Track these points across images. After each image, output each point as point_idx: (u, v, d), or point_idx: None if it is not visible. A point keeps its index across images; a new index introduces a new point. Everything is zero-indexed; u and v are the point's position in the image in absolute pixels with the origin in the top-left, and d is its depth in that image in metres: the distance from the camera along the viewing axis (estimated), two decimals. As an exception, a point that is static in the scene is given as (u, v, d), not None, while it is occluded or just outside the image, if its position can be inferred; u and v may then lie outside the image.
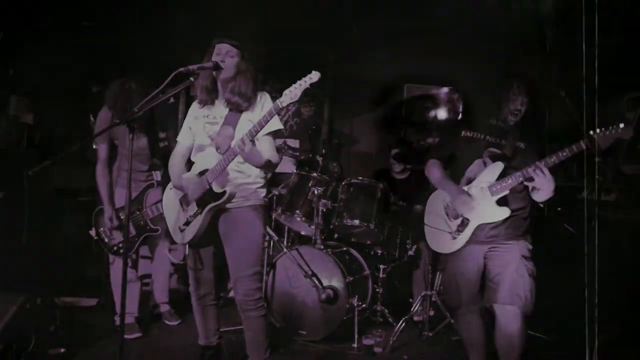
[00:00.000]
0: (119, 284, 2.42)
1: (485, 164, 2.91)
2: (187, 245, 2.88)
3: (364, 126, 5.94)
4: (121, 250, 3.64)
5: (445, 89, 5.98)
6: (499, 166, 2.85)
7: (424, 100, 6.00)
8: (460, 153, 3.04)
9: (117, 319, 3.67)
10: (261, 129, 2.54)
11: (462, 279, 2.93)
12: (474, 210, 2.85)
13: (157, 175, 3.73)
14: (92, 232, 3.76)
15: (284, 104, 2.48)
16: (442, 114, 5.97)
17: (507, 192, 2.80)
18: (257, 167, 2.72)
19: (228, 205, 2.76)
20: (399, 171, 4.95)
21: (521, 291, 2.72)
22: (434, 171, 3.07)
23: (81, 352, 3.31)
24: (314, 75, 2.45)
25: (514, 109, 2.86)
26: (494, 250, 2.86)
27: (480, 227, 2.85)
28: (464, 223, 2.89)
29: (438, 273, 4.34)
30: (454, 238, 2.92)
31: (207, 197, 2.72)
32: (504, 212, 2.79)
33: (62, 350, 3.23)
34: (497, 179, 2.83)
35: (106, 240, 3.72)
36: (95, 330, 3.67)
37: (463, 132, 3.04)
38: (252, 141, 2.53)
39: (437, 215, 3.06)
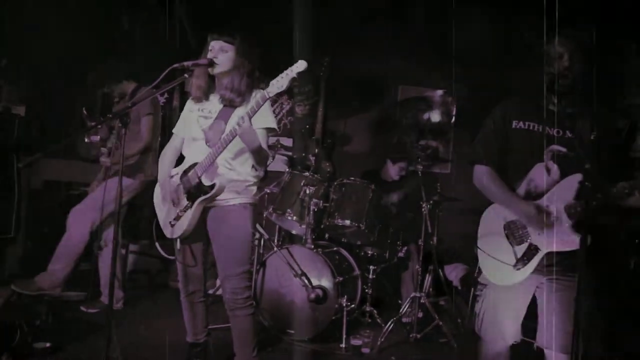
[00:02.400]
0: None
1: (548, 171, 2.23)
2: (177, 241, 2.85)
3: (358, 126, 5.93)
4: None
5: (439, 91, 5.99)
6: (576, 179, 2.16)
7: (418, 102, 6.01)
8: (511, 152, 2.37)
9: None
10: (253, 114, 2.52)
11: (507, 312, 2.37)
12: (544, 235, 2.23)
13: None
14: None
15: (271, 94, 2.48)
16: (435, 116, 5.99)
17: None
18: (250, 148, 2.64)
19: (218, 202, 2.74)
20: (397, 173, 4.96)
21: (581, 337, 2.08)
22: (487, 184, 2.38)
23: (67, 346, 3.28)
24: (300, 64, 2.44)
25: (562, 70, 2.20)
26: (552, 282, 2.28)
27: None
28: (531, 251, 2.25)
29: (427, 275, 4.37)
30: (518, 269, 2.27)
31: (196, 190, 2.71)
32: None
33: (48, 344, 3.19)
34: (577, 197, 2.15)
35: None
36: (82, 324, 3.66)
37: (514, 123, 2.35)
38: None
39: (495, 239, 2.37)
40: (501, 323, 2.37)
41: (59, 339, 3.29)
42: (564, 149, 2.20)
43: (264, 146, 2.74)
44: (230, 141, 2.58)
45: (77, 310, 3.93)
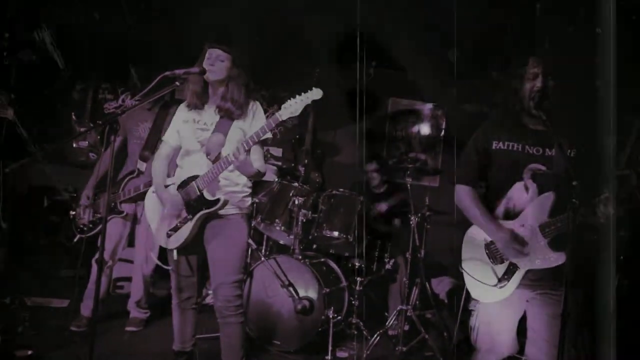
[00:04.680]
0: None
1: (527, 189, 2.31)
2: (175, 251, 2.85)
3: (348, 138, 5.93)
4: (86, 229, 3.76)
5: (429, 105, 6.06)
6: (549, 198, 2.26)
7: (408, 115, 6.06)
8: (492, 172, 2.44)
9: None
10: (258, 139, 2.54)
11: (501, 326, 2.43)
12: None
13: (142, 166, 3.74)
14: (71, 213, 3.85)
15: (283, 118, 2.50)
16: (425, 129, 6.04)
17: (564, 231, 2.18)
18: (247, 176, 2.74)
19: (216, 213, 2.76)
20: (376, 185, 5.00)
21: (572, 353, 2.22)
22: (468, 204, 2.45)
23: (49, 354, 3.24)
24: (316, 92, 2.47)
25: (531, 90, 2.27)
26: (542, 297, 2.33)
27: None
28: (511, 269, 2.33)
29: (415, 288, 4.37)
30: (500, 288, 2.35)
31: (198, 203, 2.72)
32: (560, 258, 2.22)
33: (30, 352, 3.16)
34: (551, 215, 2.25)
35: (77, 219, 3.82)
36: (66, 332, 3.61)
37: (494, 144, 2.42)
38: (247, 151, 2.53)
39: (477, 259, 2.46)
40: (496, 336, 2.42)
41: (41, 346, 3.26)
42: (543, 167, 2.28)
43: (261, 161, 2.78)
44: (229, 164, 2.60)
45: (60, 318, 3.87)
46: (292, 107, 2.47)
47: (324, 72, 5.29)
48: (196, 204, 2.73)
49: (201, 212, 2.71)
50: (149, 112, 3.82)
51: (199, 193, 2.71)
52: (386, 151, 6.05)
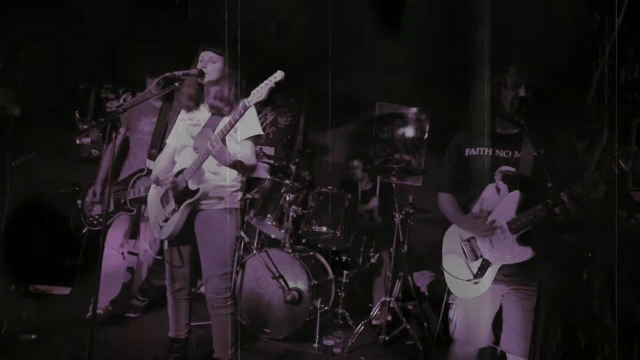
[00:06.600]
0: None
1: (498, 191, 2.44)
2: (166, 241, 2.98)
3: (337, 138, 6.11)
4: (95, 222, 3.88)
5: (413, 109, 6.24)
6: (515, 196, 2.38)
7: (393, 118, 6.25)
8: (468, 176, 2.58)
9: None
10: (231, 127, 2.65)
11: (477, 319, 2.54)
12: (494, 250, 2.45)
13: (151, 164, 3.84)
14: (79, 202, 3.97)
15: (251, 103, 2.60)
16: (409, 132, 6.24)
17: (530, 227, 2.34)
18: (224, 165, 2.77)
19: (204, 206, 2.88)
20: (359, 180, 5.18)
21: (538, 342, 2.22)
22: (447, 209, 2.67)
23: (52, 339, 3.35)
24: (278, 75, 2.58)
25: (514, 98, 2.38)
26: (516, 292, 2.44)
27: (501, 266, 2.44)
28: (484, 265, 2.46)
29: (397, 281, 4.55)
30: (475, 284, 2.48)
31: (183, 194, 2.84)
32: (527, 253, 2.34)
33: (33, 336, 3.27)
34: (518, 211, 2.36)
35: (86, 211, 3.93)
36: (68, 319, 3.71)
37: (466, 151, 2.59)
38: (223, 140, 2.64)
39: (455, 257, 2.61)
40: (472, 329, 2.56)
41: (45, 331, 3.36)
42: (512, 169, 2.41)
43: (250, 155, 2.86)
44: (208, 155, 2.70)
45: (63, 305, 3.99)
46: (258, 92, 2.57)
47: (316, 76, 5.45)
48: (182, 194, 2.83)
49: (185, 202, 2.80)
50: (151, 107, 3.92)
51: (185, 184, 2.82)
52: (373, 152, 6.22)
